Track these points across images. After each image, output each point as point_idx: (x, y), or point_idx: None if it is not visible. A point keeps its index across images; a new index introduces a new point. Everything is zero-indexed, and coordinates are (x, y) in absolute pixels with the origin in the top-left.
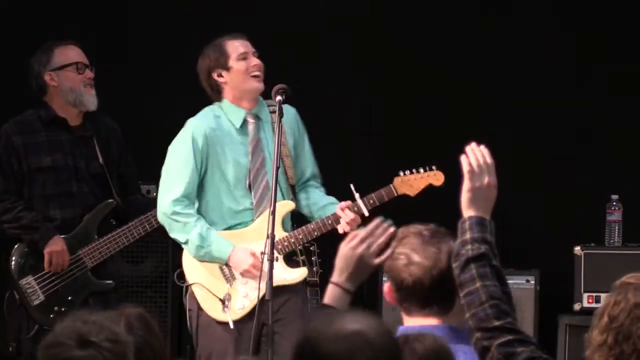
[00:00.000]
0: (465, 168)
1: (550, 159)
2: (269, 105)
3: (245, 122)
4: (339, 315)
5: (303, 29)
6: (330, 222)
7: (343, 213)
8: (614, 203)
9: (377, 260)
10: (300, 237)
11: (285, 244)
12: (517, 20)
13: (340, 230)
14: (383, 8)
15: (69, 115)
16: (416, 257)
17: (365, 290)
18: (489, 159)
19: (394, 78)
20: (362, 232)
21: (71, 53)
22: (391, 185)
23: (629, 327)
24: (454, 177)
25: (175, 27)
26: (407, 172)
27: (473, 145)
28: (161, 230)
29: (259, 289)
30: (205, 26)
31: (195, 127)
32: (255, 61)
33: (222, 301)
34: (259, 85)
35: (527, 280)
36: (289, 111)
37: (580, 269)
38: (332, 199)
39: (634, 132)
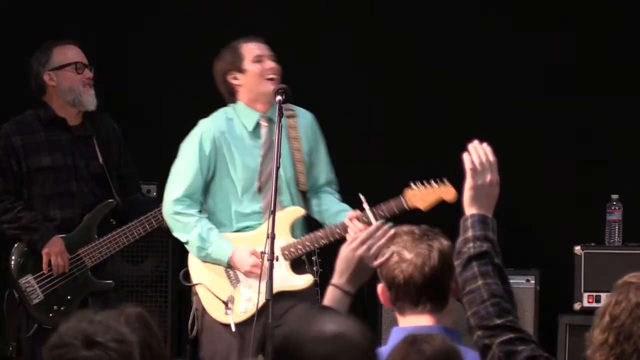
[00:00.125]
0: (467, 166)
1: (550, 159)
2: (285, 109)
3: (258, 125)
4: (317, 317)
5: (303, 29)
6: (338, 231)
7: (351, 223)
8: (614, 203)
9: (377, 262)
10: (307, 244)
11: (292, 249)
12: (517, 20)
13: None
14: (383, 8)
15: (68, 115)
16: (407, 255)
17: (365, 292)
18: (491, 157)
19: (394, 78)
20: (363, 234)
21: (70, 53)
22: (401, 197)
23: (630, 327)
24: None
25: (175, 27)
26: (419, 184)
27: (476, 143)
28: (161, 230)
29: (259, 291)
30: (205, 26)
31: (205, 130)
32: (270, 64)
33: (225, 303)
34: (273, 88)
35: (527, 280)
36: (306, 116)
37: (580, 269)
38: (344, 206)
39: (634, 132)
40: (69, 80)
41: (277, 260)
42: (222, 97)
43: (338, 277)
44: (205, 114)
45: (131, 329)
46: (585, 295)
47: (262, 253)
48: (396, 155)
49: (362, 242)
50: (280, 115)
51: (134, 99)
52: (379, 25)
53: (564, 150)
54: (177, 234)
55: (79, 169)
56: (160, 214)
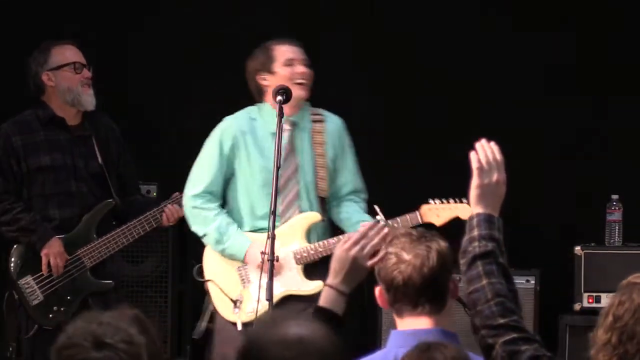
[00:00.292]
0: (474, 164)
1: (550, 159)
2: (313, 114)
3: (280, 128)
4: (282, 321)
5: (303, 29)
6: None
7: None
8: (614, 203)
9: (371, 262)
10: (320, 249)
11: (305, 254)
12: (517, 20)
13: None
14: (383, 8)
15: (67, 115)
16: (406, 256)
17: (365, 292)
18: (498, 156)
19: (394, 78)
20: (356, 234)
21: (68, 53)
22: (417, 211)
23: (633, 327)
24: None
25: (175, 27)
26: (437, 201)
27: (483, 141)
28: (161, 230)
29: (259, 293)
30: (205, 26)
31: (226, 128)
32: (301, 68)
33: (234, 302)
34: (301, 93)
35: (527, 280)
36: (335, 122)
37: (580, 269)
38: (365, 216)
39: (634, 132)
40: (67, 80)
41: (277, 260)
42: (222, 97)
43: (333, 278)
44: (206, 114)
45: None
46: (585, 295)
47: (262, 253)
48: (396, 155)
49: (356, 242)
50: (281, 115)
51: (134, 99)
52: (379, 25)
53: (564, 150)
54: (195, 227)
55: (78, 168)
56: (159, 213)
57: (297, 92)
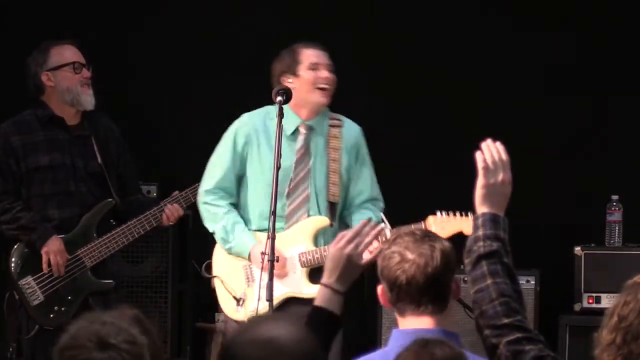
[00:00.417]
0: (479, 164)
1: (550, 159)
2: (332, 119)
3: (297, 130)
4: (260, 322)
5: (303, 29)
6: None
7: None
8: (614, 203)
9: (365, 260)
10: (325, 254)
11: (309, 257)
12: (517, 20)
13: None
14: (383, 8)
15: (66, 115)
16: (410, 255)
17: (365, 291)
18: (504, 156)
19: (394, 78)
20: (350, 232)
21: (68, 53)
22: (423, 222)
23: (638, 327)
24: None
25: (175, 27)
26: (444, 213)
27: (489, 141)
28: (161, 230)
29: (260, 293)
30: (205, 26)
31: (241, 125)
32: (325, 74)
33: (237, 300)
34: (322, 99)
35: (527, 280)
36: (352, 128)
37: (580, 269)
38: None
39: (634, 132)
40: (66, 80)
41: (277, 261)
42: (222, 97)
43: (327, 277)
44: (206, 114)
45: None
46: (586, 295)
47: (263, 253)
48: (396, 155)
49: (350, 241)
50: (281, 115)
51: (134, 99)
52: (379, 25)
53: (564, 150)
54: (206, 223)
55: (77, 168)
56: (159, 212)
57: (318, 99)
